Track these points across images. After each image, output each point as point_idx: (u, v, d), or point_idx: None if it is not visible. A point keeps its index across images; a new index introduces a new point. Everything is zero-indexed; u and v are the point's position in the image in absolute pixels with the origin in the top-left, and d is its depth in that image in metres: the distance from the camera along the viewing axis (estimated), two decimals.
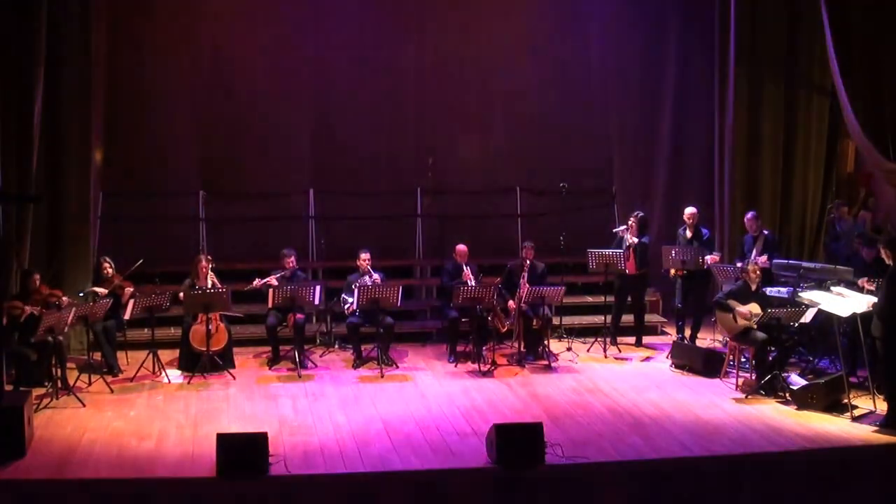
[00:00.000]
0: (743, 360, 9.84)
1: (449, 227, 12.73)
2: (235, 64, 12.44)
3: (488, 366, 10.21)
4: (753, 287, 9.67)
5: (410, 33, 12.93)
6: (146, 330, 10.29)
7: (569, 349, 11.07)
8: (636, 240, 10.98)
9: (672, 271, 11.15)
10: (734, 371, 9.79)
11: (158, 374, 9.87)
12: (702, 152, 12.81)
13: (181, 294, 9.98)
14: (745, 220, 11.28)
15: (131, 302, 9.76)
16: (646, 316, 11.90)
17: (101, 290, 9.98)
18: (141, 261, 10.26)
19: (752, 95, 12.03)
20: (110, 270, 10.15)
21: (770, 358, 9.46)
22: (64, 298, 9.52)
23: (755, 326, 9.44)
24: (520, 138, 13.27)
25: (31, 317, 9.09)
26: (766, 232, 11.20)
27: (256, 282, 10.42)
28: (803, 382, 9.22)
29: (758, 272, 9.73)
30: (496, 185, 13.21)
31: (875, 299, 8.58)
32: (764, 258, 10.67)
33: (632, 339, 11.42)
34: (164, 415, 8.67)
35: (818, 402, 8.80)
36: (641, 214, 11.23)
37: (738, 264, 10.71)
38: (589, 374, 10.18)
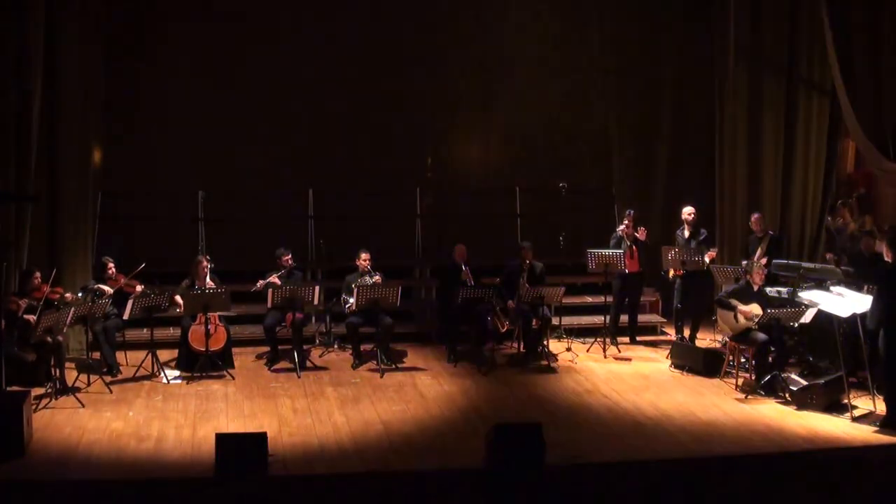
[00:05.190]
0: (743, 360, 9.84)
1: (449, 227, 12.72)
2: (234, 63, 12.43)
3: (488, 366, 10.22)
4: (755, 287, 9.66)
5: (411, 33, 12.93)
6: (145, 330, 10.30)
7: (568, 349, 11.06)
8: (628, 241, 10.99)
9: (671, 271, 11.15)
10: (734, 371, 9.78)
11: (157, 374, 9.87)
12: (702, 152, 12.81)
13: (175, 297, 9.99)
14: (751, 221, 11.29)
15: (130, 302, 9.76)
16: (645, 316, 11.92)
17: (107, 289, 9.93)
18: (143, 264, 10.22)
19: (752, 95, 12.04)
20: (114, 269, 10.14)
21: (770, 358, 9.46)
22: (67, 295, 9.52)
23: (755, 327, 9.43)
24: (519, 138, 13.28)
25: (31, 308, 9.07)
26: (770, 232, 11.20)
27: (259, 283, 10.42)
28: (803, 382, 9.20)
29: (762, 275, 9.71)
30: (496, 185, 13.21)
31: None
32: (764, 259, 10.66)
33: (628, 339, 11.42)
34: (163, 415, 8.66)
35: (818, 402, 8.80)
36: (633, 212, 11.24)
37: (744, 263, 10.71)
38: (588, 374, 10.17)
